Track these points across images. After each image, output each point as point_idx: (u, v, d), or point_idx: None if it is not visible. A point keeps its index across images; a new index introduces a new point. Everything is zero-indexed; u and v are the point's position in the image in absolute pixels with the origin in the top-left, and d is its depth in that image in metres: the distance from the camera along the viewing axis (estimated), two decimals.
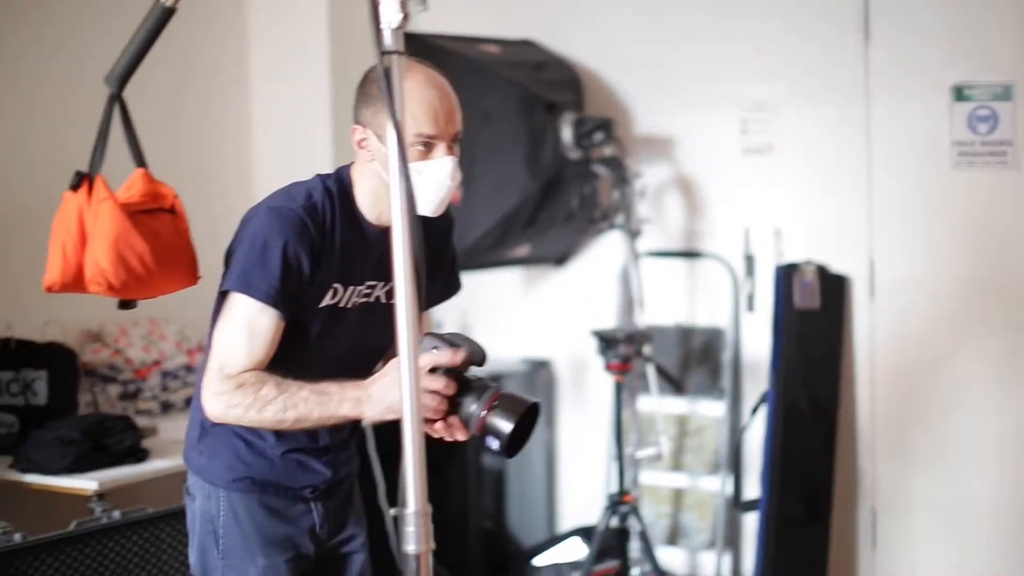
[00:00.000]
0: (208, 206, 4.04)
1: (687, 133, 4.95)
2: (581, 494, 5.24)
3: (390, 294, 2.56)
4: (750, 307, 4.81)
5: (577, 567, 4.68)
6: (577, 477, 5.30)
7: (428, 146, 2.40)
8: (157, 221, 2.47)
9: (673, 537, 5.02)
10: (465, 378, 2.30)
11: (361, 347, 2.59)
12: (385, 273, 2.47)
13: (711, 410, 4.94)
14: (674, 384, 4.69)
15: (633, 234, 4.68)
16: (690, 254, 4.97)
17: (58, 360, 4.02)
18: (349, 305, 2.53)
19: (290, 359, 2.41)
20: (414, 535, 1.83)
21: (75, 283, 2.41)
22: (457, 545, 4.90)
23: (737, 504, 4.78)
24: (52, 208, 2.46)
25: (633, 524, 4.48)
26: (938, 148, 4.41)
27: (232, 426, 2.49)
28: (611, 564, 4.58)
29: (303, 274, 2.40)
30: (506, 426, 2.24)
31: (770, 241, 4.74)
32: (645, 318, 4.63)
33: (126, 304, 2.51)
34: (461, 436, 2.32)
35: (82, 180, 2.41)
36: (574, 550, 4.84)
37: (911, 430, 4.59)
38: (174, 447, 3.82)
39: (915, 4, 4.46)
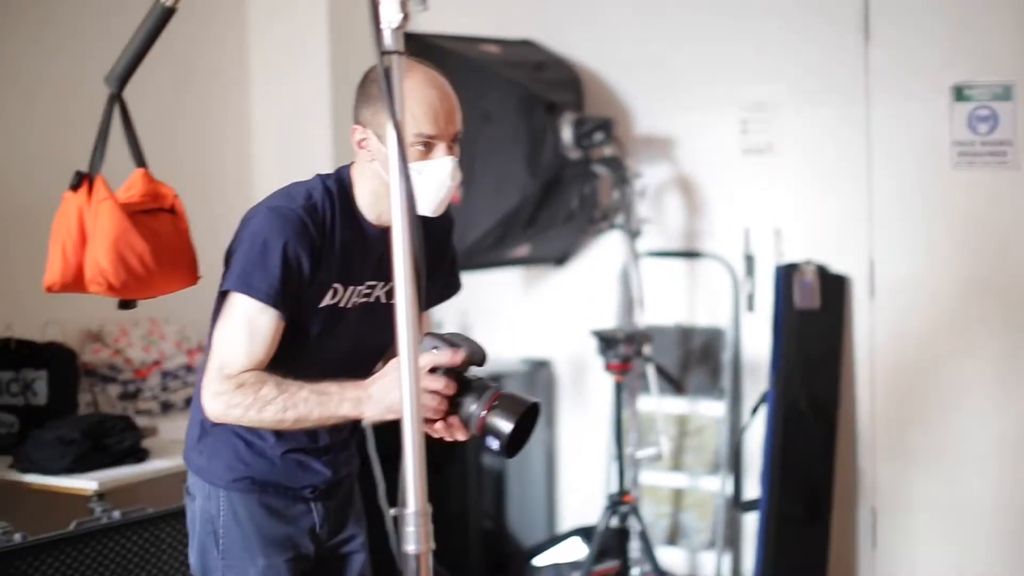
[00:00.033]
0: (208, 206, 4.04)
1: (687, 133, 4.95)
2: (581, 494, 5.24)
3: (390, 294, 2.56)
4: (750, 307, 4.81)
5: (577, 567, 4.68)
6: (577, 477, 5.30)
7: (428, 146, 2.40)
8: (157, 221, 2.47)
9: (673, 537, 5.02)
10: (465, 378, 2.30)
11: (361, 347, 2.59)
12: (385, 273, 2.47)
13: (711, 410, 4.94)
14: (674, 384, 4.69)
15: (633, 234, 4.68)
16: (690, 254, 4.97)
17: (58, 360, 4.02)
18: (349, 305, 2.53)
19: (290, 359, 2.41)
20: (414, 535, 1.83)
21: (75, 283, 2.41)
22: (457, 545, 4.89)
23: (737, 504, 4.78)
24: (52, 208, 2.46)
25: (633, 524, 4.48)
26: (938, 148, 4.41)
27: (232, 426, 2.49)
28: (611, 564, 4.58)
29: (303, 274, 2.40)
30: (506, 426, 2.24)
31: (770, 241, 4.74)
32: (645, 318, 4.63)
33: (126, 304, 2.51)
34: (461, 436, 2.32)
35: (82, 180, 2.41)
36: (574, 550, 4.84)
37: (911, 430, 4.59)
38: (174, 447, 3.82)
39: (915, 4, 4.46)
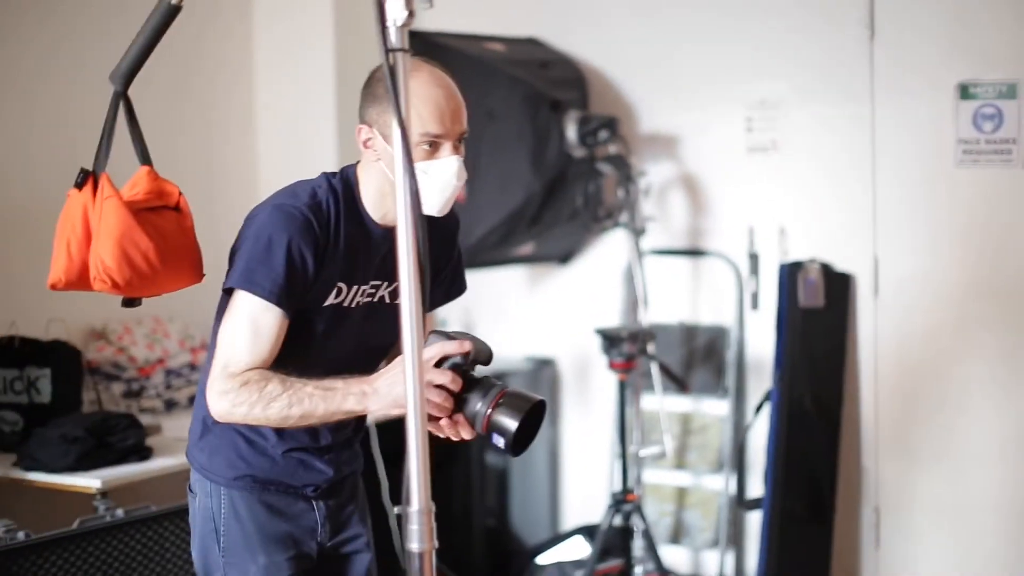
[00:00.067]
0: (212, 204, 4.04)
1: (691, 131, 4.95)
2: (584, 492, 5.25)
3: (394, 294, 2.56)
4: (754, 305, 4.81)
5: (580, 566, 4.68)
6: (581, 476, 5.30)
7: (434, 146, 2.39)
8: (162, 219, 2.47)
9: (676, 536, 5.01)
10: (471, 376, 2.30)
11: (365, 347, 2.59)
12: (390, 273, 2.47)
13: (715, 408, 4.93)
14: (678, 382, 4.68)
15: (637, 232, 4.67)
16: (694, 252, 4.97)
17: (62, 358, 4.02)
18: (353, 305, 2.52)
19: (294, 359, 2.41)
20: (418, 533, 1.83)
21: (79, 281, 2.41)
22: (460, 544, 4.90)
23: (740, 503, 4.78)
24: (56, 206, 2.46)
25: (636, 523, 4.48)
26: (943, 146, 4.40)
27: (233, 424, 2.49)
28: (614, 563, 4.58)
29: (307, 272, 2.40)
30: (512, 424, 2.24)
31: (774, 239, 4.74)
32: (649, 316, 4.63)
33: (130, 302, 2.50)
34: (467, 435, 2.31)
35: (87, 178, 2.41)
36: (577, 549, 4.84)
37: (915, 429, 4.58)
38: (178, 445, 3.82)
39: (920, 2, 4.45)
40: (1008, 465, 4.39)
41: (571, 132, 4.72)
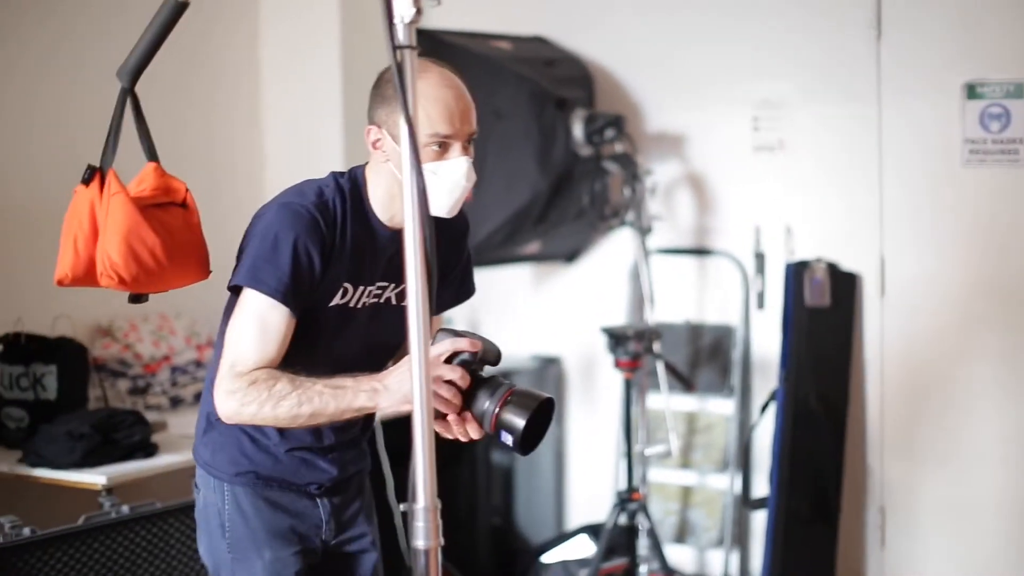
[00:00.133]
0: (219, 201, 4.04)
1: (698, 130, 4.95)
2: (590, 491, 5.24)
3: (401, 296, 2.56)
4: (760, 305, 4.80)
5: (585, 564, 4.68)
6: (586, 474, 5.30)
7: (443, 146, 2.39)
8: (169, 215, 2.47)
9: (681, 535, 5.01)
10: (479, 376, 2.30)
11: (371, 348, 2.58)
12: (397, 275, 2.47)
13: (720, 408, 4.93)
14: (683, 381, 4.68)
15: (644, 231, 4.67)
16: (700, 251, 4.96)
17: (68, 355, 4.02)
18: (359, 305, 2.52)
19: (300, 360, 2.40)
20: (423, 530, 1.83)
21: (86, 277, 2.41)
22: (465, 542, 4.90)
23: (746, 502, 4.78)
24: (62, 203, 2.46)
25: (641, 521, 4.48)
26: (949, 146, 4.40)
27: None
28: (619, 561, 4.58)
29: (314, 270, 2.39)
30: (520, 421, 2.24)
31: (781, 238, 4.74)
32: (655, 315, 4.63)
33: (137, 298, 2.50)
34: (475, 434, 2.31)
35: (94, 174, 2.41)
36: (582, 547, 4.84)
37: (920, 429, 4.58)
38: (183, 442, 3.82)
39: (927, 2, 4.44)
40: (1013, 465, 4.39)
41: (577, 131, 4.71)
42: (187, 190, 2.52)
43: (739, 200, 4.88)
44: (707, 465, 4.95)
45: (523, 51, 4.93)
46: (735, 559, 4.89)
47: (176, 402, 4.45)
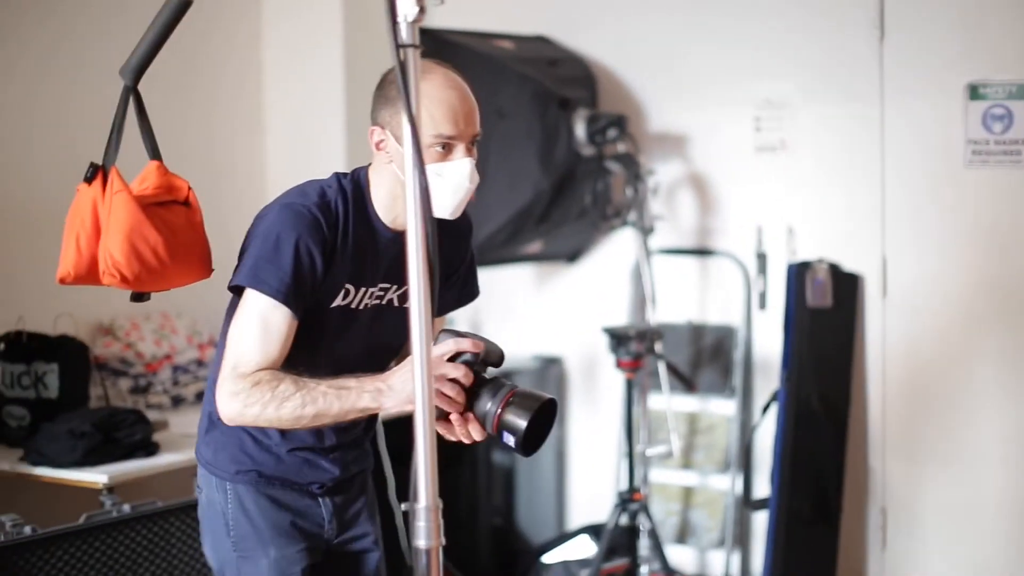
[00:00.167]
0: (220, 201, 4.03)
1: (700, 130, 4.95)
2: (591, 491, 5.24)
3: (403, 298, 2.56)
4: (762, 305, 4.80)
5: (586, 565, 4.68)
6: (587, 474, 5.30)
7: (447, 148, 2.39)
8: (171, 214, 2.47)
9: (682, 535, 5.01)
10: (481, 376, 2.30)
11: (373, 349, 2.58)
12: (399, 276, 2.46)
13: (722, 408, 4.93)
14: (685, 382, 4.68)
15: (646, 231, 4.67)
16: (702, 252, 4.96)
17: (69, 353, 4.02)
18: (361, 307, 2.52)
19: (301, 361, 2.40)
20: (425, 530, 1.83)
21: (88, 275, 2.41)
22: (467, 542, 4.90)
23: (747, 503, 4.78)
24: (63, 202, 2.46)
25: (643, 522, 4.48)
26: (952, 147, 4.39)
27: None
28: (620, 562, 4.58)
29: (316, 270, 2.39)
30: (521, 422, 2.24)
31: (782, 239, 4.73)
32: (657, 315, 4.63)
33: (139, 296, 2.50)
34: (477, 435, 2.31)
35: (96, 172, 2.41)
36: (583, 547, 4.83)
37: (922, 430, 4.57)
38: (185, 441, 3.82)
39: (930, 2, 4.44)
40: (1014, 466, 4.38)
41: (580, 130, 4.71)
42: (189, 188, 2.52)
43: (741, 200, 4.88)
44: (708, 465, 4.95)
45: (526, 51, 4.93)
46: (736, 560, 4.89)
47: (177, 401, 4.45)
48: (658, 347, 4.48)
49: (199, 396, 4.36)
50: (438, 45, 4.32)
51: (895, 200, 4.54)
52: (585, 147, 4.73)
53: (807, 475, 4.54)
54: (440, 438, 2.06)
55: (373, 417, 2.58)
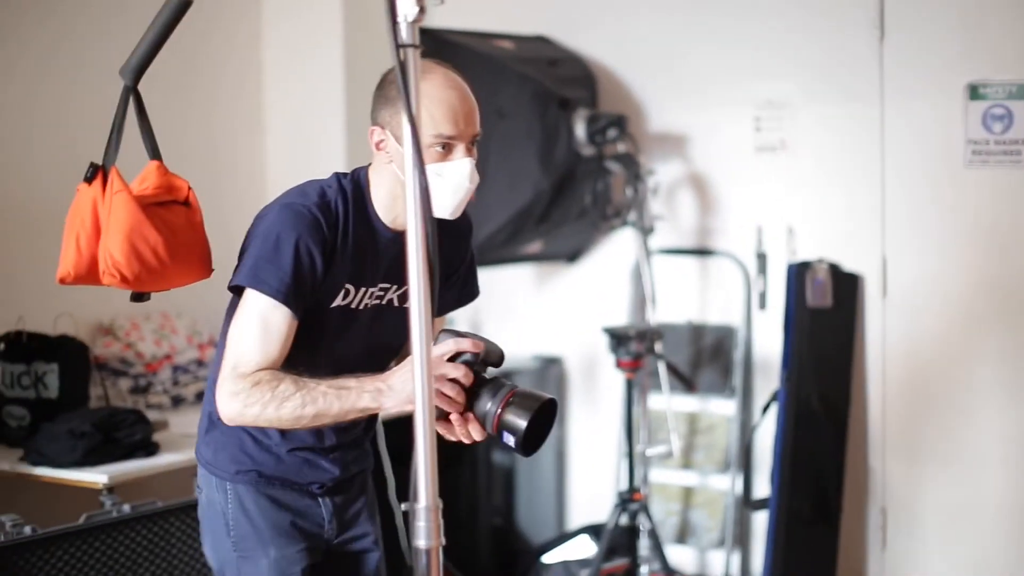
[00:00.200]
0: (220, 201, 4.03)
1: (700, 130, 4.95)
2: (591, 491, 5.24)
3: (403, 298, 2.56)
4: (762, 305, 4.80)
5: (586, 565, 4.68)
6: (587, 474, 5.30)
7: (447, 148, 2.39)
8: (171, 214, 2.47)
9: (682, 535, 5.01)
10: (481, 376, 2.30)
11: (373, 349, 2.58)
12: (399, 276, 2.46)
13: (722, 408, 4.93)
14: (685, 382, 4.68)
15: (646, 231, 4.67)
16: (702, 252, 4.96)
17: (69, 353, 4.02)
18: (361, 307, 2.52)
19: (302, 361, 2.40)
20: (425, 530, 1.83)
21: (88, 275, 2.41)
22: (467, 542, 4.90)
23: (747, 503, 4.78)
24: (63, 202, 2.46)
25: (643, 522, 4.48)
26: (952, 147, 4.39)
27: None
28: (620, 562, 4.58)
29: (316, 270, 2.39)
30: (521, 422, 2.24)
31: (782, 239, 4.73)
32: (657, 315, 4.63)
33: (139, 296, 2.50)
34: (477, 435, 2.31)
35: (96, 172, 2.41)
36: (583, 547, 4.83)
37: (923, 430, 4.57)
38: (185, 441, 3.82)
39: (930, 2, 4.44)
40: (1015, 466, 4.38)
41: (580, 130, 4.71)
42: (190, 188, 2.52)
43: (741, 200, 4.88)
44: (708, 466, 4.95)
45: (526, 51, 4.93)
46: (736, 560, 4.89)
47: (177, 401, 4.45)
48: (658, 347, 4.48)
49: (199, 396, 4.36)
50: (438, 45, 4.32)
51: (895, 200, 4.54)
52: (585, 147, 4.73)
53: (807, 475, 4.54)
54: (440, 438, 2.06)
55: (373, 417, 2.58)
